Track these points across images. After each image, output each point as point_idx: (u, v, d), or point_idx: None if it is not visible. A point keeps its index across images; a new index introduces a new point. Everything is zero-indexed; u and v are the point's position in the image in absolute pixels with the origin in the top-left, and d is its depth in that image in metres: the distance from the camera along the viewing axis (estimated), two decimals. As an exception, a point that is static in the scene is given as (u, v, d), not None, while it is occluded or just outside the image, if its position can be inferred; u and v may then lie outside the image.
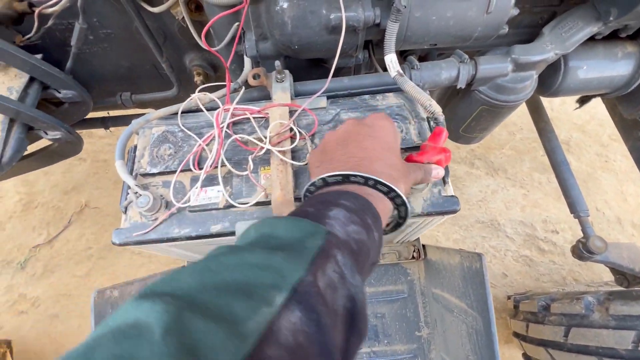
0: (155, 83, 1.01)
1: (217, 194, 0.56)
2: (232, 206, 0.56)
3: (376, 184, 0.37)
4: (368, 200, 0.36)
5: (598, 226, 1.83)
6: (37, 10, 0.71)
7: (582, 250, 1.08)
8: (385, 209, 0.38)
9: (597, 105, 1.20)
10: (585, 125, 2.09)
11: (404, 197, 0.38)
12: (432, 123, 0.61)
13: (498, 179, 1.93)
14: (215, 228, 0.54)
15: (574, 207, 1.09)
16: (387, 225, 0.45)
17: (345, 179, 0.37)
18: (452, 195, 0.55)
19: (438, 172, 0.48)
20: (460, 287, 0.62)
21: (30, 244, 1.76)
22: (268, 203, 0.55)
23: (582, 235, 1.09)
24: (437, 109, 0.56)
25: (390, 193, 0.38)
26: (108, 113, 1.09)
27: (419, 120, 0.61)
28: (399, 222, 0.44)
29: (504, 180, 1.93)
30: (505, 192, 1.90)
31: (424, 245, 0.83)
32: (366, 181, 0.37)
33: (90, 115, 0.99)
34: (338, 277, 0.26)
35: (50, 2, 0.70)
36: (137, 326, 0.18)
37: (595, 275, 1.70)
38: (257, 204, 0.56)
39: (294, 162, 0.54)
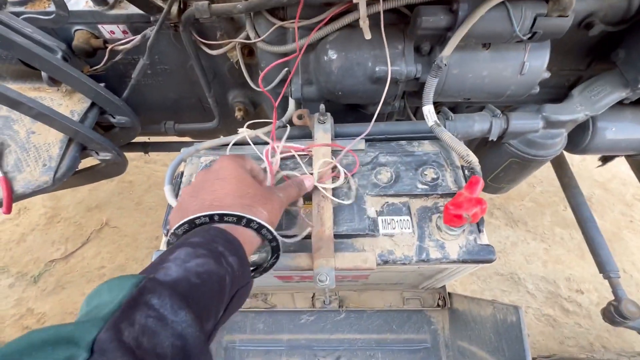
0: (197, 114, 1.08)
1: (256, 224, 0.58)
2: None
3: (222, 217, 0.38)
4: (221, 228, 0.37)
5: (626, 289, 1.71)
6: (109, 47, 0.80)
7: (614, 314, 1.02)
8: (246, 237, 0.39)
9: (619, 164, 1.21)
10: (607, 183, 2.07)
11: (258, 220, 0.39)
12: (466, 172, 0.63)
13: (518, 231, 1.90)
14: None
15: (604, 267, 1.05)
16: (265, 260, 0.46)
17: (192, 224, 0.38)
18: (488, 244, 0.56)
19: (309, 182, 0.54)
20: (493, 341, 0.60)
21: (47, 258, 1.78)
22: (307, 237, 0.57)
23: (610, 297, 1.04)
24: (474, 159, 0.58)
25: (241, 221, 0.39)
26: (149, 138, 1.16)
27: (454, 168, 0.63)
28: (274, 249, 0.44)
29: (524, 232, 1.89)
30: (526, 245, 1.85)
31: (449, 293, 0.81)
32: (211, 218, 0.38)
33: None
34: (154, 321, 0.26)
35: (123, 41, 0.79)
36: None
37: (625, 343, 1.58)
38: (295, 236, 0.57)
39: (337, 200, 0.57)
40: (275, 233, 0.42)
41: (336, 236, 0.55)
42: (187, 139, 1.21)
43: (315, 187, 0.56)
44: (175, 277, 0.31)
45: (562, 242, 1.86)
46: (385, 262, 0.55)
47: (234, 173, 0.44)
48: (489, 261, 0.54)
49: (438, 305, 0.82)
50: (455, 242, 0.56)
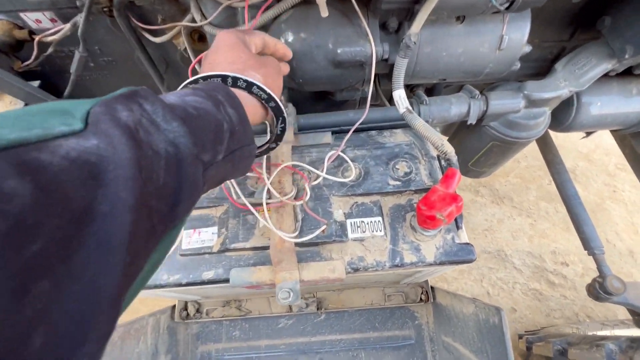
0: (155, 109, 0.99)
1: (211, 237, 0.52)
2: (228, 250, 0.51)
3: (207, 79, 0.37)
4: (222, 84, 0.37)
5: (610, 259, 1.75)
6: (36, 39, 0.69)
7: (599, 291, 1.01)
8: (247, 100, 0.39)
9: (602, 134, 1.18)
10: (591, 154, 2.06)
11: (245, 77, 0.38)
12: (443, 162, 0.57)
13: (504, 207, 1.89)
14: (207, 275, 0.50)
15: (588, 243, 1.04)
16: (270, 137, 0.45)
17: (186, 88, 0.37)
18: (467, 243, 0.51)
19: (284, 50, 0.51)
20: (476, 341, 0.57)
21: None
22: (266, 248, 0.51)
23: (594, 268, 1.03)
24: (450, 149, 0.52)
25: (226, 80, 0.38)
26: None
27: (429, 159, 0.57)
28: (275, 110, 0.42)
29: (510, 209, 1.88)
30: (512, 222, 1.84)
31: (432, 288, 0.78)
32: (196, 82, 0.38)
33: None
34: (147, 121, 0.26)
35: (51, 31, 0.69)
36: None
37: (609, 312, 1.62)
38: (255, 248, 0.51)
39: (295, 203, 0.50)
40: (269, 91, 0.40)
41: (299, 245, 0.49)
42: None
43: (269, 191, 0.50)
44: (170, 101, 0.29)
45: (547, 216, 1.86)
46: (356, 270, 0.50)
47: (227, 42, 0.43)
48: (469, 261, 0.50)
49: (421, 300, 0.78)
50: (432, 242, 0.51)
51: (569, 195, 1.11)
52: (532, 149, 2.02)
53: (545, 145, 1.19)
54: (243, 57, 0.41)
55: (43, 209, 0.18)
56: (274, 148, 0.47)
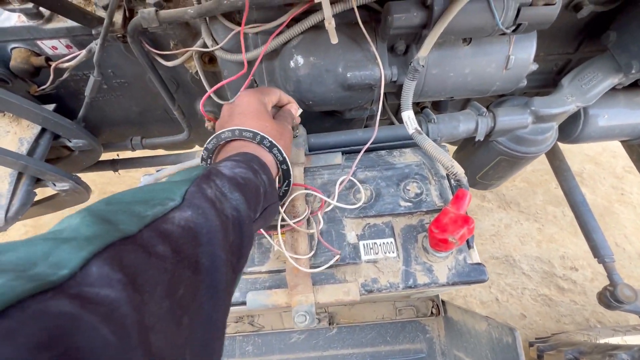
0: (166, 127, 1.00)
1: (227, 260, 0.53)
2: (244, 274, 0.52)
3: (242, 132, 0.45)
4: (254, 154, 0.44)
5: (619, 262, 1.74)
6: (53, 65, 0.71)
7: (610, 299, 1.01)
8: (269, 162, 0.45)
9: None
10: (598, 157, 2.05)
11: (270, 139, 0.45)
12: (452, 181, 0.58)
13: (511, 212, 1.88)
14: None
15: (598, 251, 1.04)
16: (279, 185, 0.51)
17: (219, 138, 0.45)
18: (479, 263, 0.52)
19: (295, 109, 0.56)
20: (490, 359, 0.57)
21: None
22: (281, 271, 0.52)
23: (604, 273, 1.03)
24: (460, 170, 0.53)
25: (256, 137, 0.45)
26: (117, 155, 1.09)
27: (439, 178, 0.58)
28: (285, 173, 0.48)
29: (517, 213, 1.88)
30: (519, 227, 1.84)
31: (443, 302, 0.78)
32: (233, 132, 0.45)
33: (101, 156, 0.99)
34: (220, 194, 0.34)
35: (67, 58, 0.71)
36: (62, 225, 0.24)
37: (620, 317, 1.60)
38: (270, 272, 0.52)
39: (308, 231, 0.52)
40: (285, 154, 0.47)
41: (314, 267, 0.50)
42: (159, 151, 1.14)
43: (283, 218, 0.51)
44: (227, 174, 0.37)
45: (555, 220, 1.85)
46: (370, 292, 0.50)
47: (254, 107, 0.49)
48: (481, 281, 0.50)
49: (432, 314, 0.79)
50: (444, 263, 0.51)
51: (577, 202, 1.11)
52: (538, 152, 2.02)
53: (552, 153, 1.19)
54: (268, 127, 0.47)
55: (180, 264, 0.25)
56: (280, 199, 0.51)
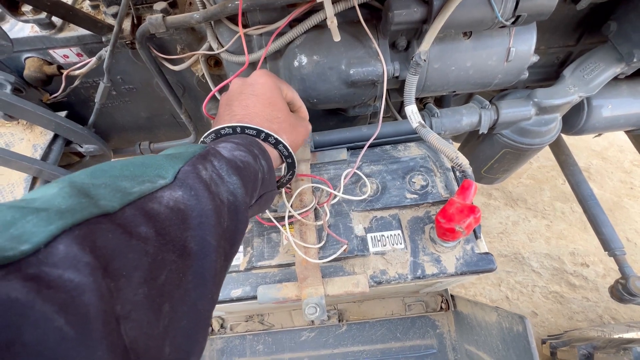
0: (173, 131, 1.03)
1: (237, 255, 0.54)
2: (254, 268, 0.53)
3: (244, 129, 0.41)
4: (254, 138, 0.41)
5: (631, 258, 1.72)
6: (65, 73, 0.74)
7: (623, 293, 1.00)
8: (271, 152, 0.43)
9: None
10: (605, 152, 2.03)
11: (276, 136, 0.42)
12: (458, 173, 0.59)
13: (518, 209, 1.87)
14: (236, 293, 0.52)
15: (608, 244, 1.03)
16: (280, 179, 0.49)
17: (218, 134, 0.42)
18: (487, 253, 0.52)
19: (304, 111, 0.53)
20: (501, 350, 0.57)
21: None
22: (291, 264, 0.53)
23: (616, 268, 1.01)
24: (464, 161, 0.53)
25: (260, 134, 0.41)
26: (126, 160, 1.11)
27: (444, 170, 0.59)
28: (289, 165, 0.46)
29: (525, 210, 1.86)
30: (527, 224, 1.82)
31: (452, 296, 0.78)
32: (234, 129, 0.41)
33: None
34: (216, 176, 0.32)
35: (78, 65, 0.73)
36: (37, 194, 0.22)
37: (635, 313, 1.57)
38: (280, 265, 0.53)
39: (316, 223, 0.52)
40: (291, 150, 0.44)
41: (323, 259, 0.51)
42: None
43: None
44: (227, 156, 0.35)
45: (564, 216, 1.83)
46: (379, 283, 0.51)
47: (269, 93, 0.45)
48: (489, 271, 0.51)
49: (441, 309, 0.79)
50: (452, 253, 0.52)
51: (584, 196, 1.10)
52: (544, 149, 2.01)
53: (558, 147, 1.19)
54: (280, 118, 0.44)
55: (164, 248, 0.23)
56: (281, 186, 0.50)
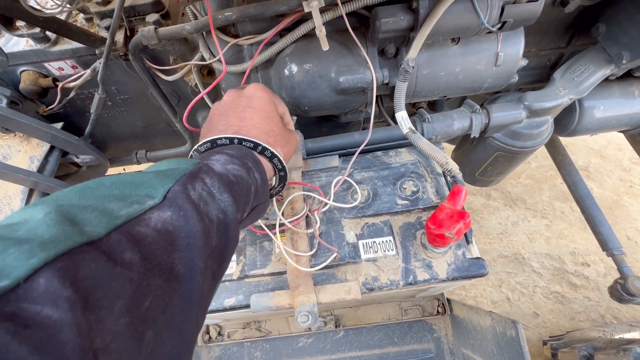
0: (169, 139, 1.03)
1: (230, 264, 0.54)
2: (247, 277, 0.54)
3: (241, 141, 0.41)
4: (249, 150, 0.41)
5: (631, 257, 1.71)
6: (60, 85, 0.75)
7: (622, 292, 1.00)
8: (265, 163, 0.43)
9: (614, 132, 1.17)
10: (603, 150, 2.03)
11: (272, 149, 0.42)
12: (449, 178, 0.59)
13: (517, 210, 1.86)
14: (229, 302, 0.52)
15: (606, 244, 1.02)
16: (271, 188, 0.49)
17: (214, 143, 0.41)
18: (478, 257, 0.52)
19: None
20: (495, 354, 0.57)
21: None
22: (283, 273, 0.53)
23: (616, 268, 1.01)
24: (454, 166, 0.54)
25: (257, 147, 0.42)
26: (124, 169, 1.12)
27: (435, 176, 0.59)
28: (281, 178, 0.47)
29: (524, 211, 1.86)
30: (527, 224, 1.82)
31: (448, 300, 0.78)
32: (231, 141, 0.41)
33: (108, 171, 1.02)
34: (207, 194, 0.32)
35: (73, 77, 0.74)
36: (22, 217, 0.21)
37: (637, 312, 1.56)
38: (272, 274, 0.53)
39: (307, 231, 0.53)
40: (284, 164, 0.45)
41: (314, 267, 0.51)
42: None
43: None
44: (219, 171, 0.35)
45: (563, 216, 1.82)
46: (371, 290, 0.51)
47: (266, 107, 0.45)
48: (481, 275, 0.51)
49: (438, 313, 0.79)
50: (443, 259, 0.52)
51: (581, 195, 1.10)
52: (542, 149, 2.01)
53: (554, 147, 1.19)
54: (276, 131, 0.45)
55: (149, 273, 0.23)
56: (272, 197, 0.50)
